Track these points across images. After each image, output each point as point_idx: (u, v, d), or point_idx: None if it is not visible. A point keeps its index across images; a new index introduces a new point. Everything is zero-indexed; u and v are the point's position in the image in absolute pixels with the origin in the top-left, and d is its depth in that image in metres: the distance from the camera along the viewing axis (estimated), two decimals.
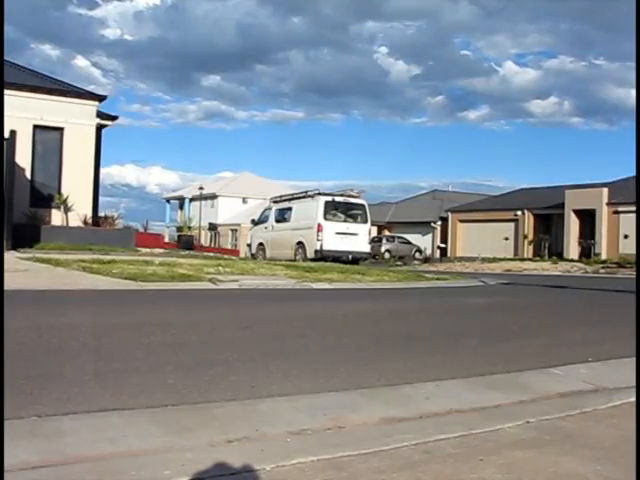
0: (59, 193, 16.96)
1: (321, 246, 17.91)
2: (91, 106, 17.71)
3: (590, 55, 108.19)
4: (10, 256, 9.92)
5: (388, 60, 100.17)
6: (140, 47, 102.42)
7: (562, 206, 36.02)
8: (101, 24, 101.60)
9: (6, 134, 12.28)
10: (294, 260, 17.03)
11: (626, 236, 32.56)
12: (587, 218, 35.07)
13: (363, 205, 20.05)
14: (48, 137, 17.17)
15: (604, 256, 31.31)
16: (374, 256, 27.65)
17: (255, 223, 22.01)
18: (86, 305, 5.03)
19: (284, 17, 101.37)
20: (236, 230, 54.37)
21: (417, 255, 39.39)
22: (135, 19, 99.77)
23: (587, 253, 32.77)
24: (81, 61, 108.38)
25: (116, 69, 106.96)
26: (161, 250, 18.64)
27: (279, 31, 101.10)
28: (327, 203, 18.73)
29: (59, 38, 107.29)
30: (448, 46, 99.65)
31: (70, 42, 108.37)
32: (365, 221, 19.93)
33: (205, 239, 50.03)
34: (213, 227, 47.98)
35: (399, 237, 42.92)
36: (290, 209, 19.82)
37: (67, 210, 16.90)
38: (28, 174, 16.52)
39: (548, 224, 38.33)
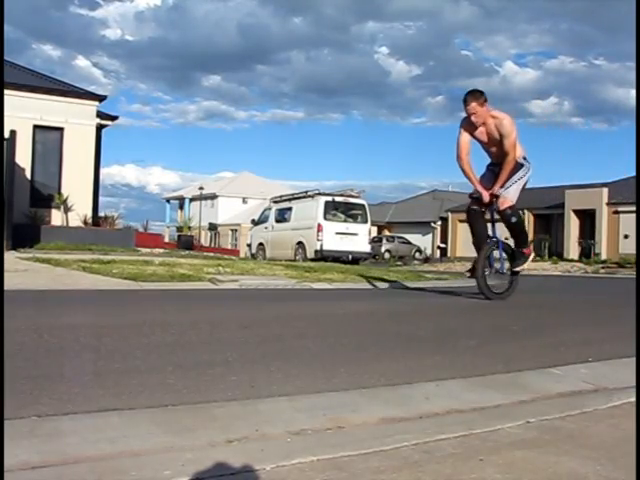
0: (59, 193, 17.00)
1: (321, 246, 17.95)
2: (91, 106, 17.74)
3: (590, 55, 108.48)
4: (10, 256, 9.93)
5: (389, 60, 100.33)
6: (141, 47, 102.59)
7: (562, 206, 36.05)
8: (102, 24, 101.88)
9: (6, 134, 12.31)
10: (294, 260, 17.06)
11: (626, 236, 32.59)
12: (587, 218, 35.10)
13: (363, 205, 20.10)
14: (48, 137, 17.21)
15: (604, 256, 31.37)
16: (374, 256, 27.69)
17: (255, 223, 22.05)
18: (86, 305, 5.03)
19: (285, 17, 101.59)
20: (236, 230, 54.44)
21: (417, 255, 39.46)
22: (136, 19, 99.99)
23: (587, 253, 32.83)
24: (82, 61, 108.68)
25: (117, 69, 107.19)
26: (161, 250, 18.67)
27: (280, 31, 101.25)
28: (327, 203, 18.77)
29: (60, 38, 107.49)
30: (449, 46, 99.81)
31: (71, 42, 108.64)
32: (365, 221, 19.97)
33: (205, 239, 50.12)
34: (213, 227, 48.07)
35: (399, 237, 42.99)
36: (290, 209, 19.85)
37: (67, 210, 16.93)
38: (28, 174, 16.55)
39: (548, 224, 38.37)
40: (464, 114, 5.89)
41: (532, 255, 6.52)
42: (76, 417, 1.95)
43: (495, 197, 5.94)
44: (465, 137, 5.94)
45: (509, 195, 5.96)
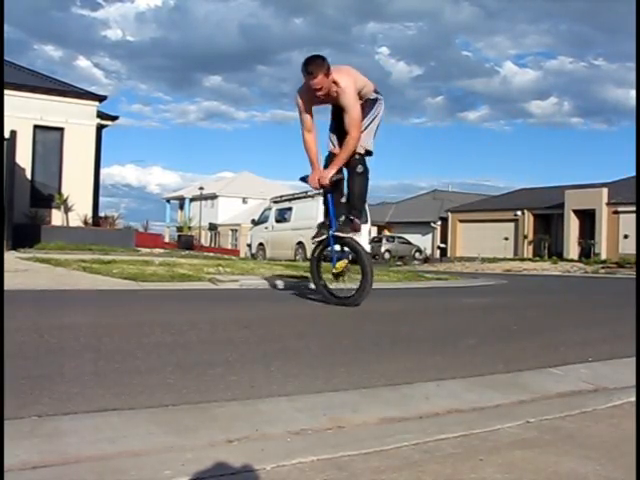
0: (59, 193, 17.01)
1: None
2: (91, 106, 17.75)
3: (589, 56, 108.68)
4: (10, 256, 9.93)
5: (389, 61, 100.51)
6: (142, 48, 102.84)
7: (562, 206, 36.11)
8: (103, 25, 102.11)
9: (6, 134, 12.30)
10: (294, 260, 17.05)
11: (626, 236, 32.65)
12: (587, 218, 35.15)
13: None
14: (48, 137, 17.22)
15: (604, 256, 31.40)
16: (374, 256, 27.70)
17: (255, 223, 22.06)
18: (86, 305, 5.03)
19: (286, 18, 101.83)
20: (236, 230, 54.49)
21: (417, 255, 39.46)
22: (137, 20, 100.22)
23: (587, 253, 32.87)
24: (83, 62, 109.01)
25: (118, 70, 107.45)
26: (161, 250, 18.66)
27: (281, 32, 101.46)
28: None
29: (62, 39, 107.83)
30: (449, 47, 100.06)
31: (72, 43, 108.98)
32: (365, 221, 19.95)
33: (205, 239, 50.16)
34: (213, 227, 48.08)
35: (399, 237, 42.98)
36: (290, 209, 19.85)
37: (67, 210, 16.94)
38: (28, 174, 16.56)
39: (548, 224, 38.42)
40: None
41: (357, 235, 5.26)
42: (76, 417, 1.95)
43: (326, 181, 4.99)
44: (307, 115, 4.99)
45: (363, 137, 4.97)
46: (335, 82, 4.77)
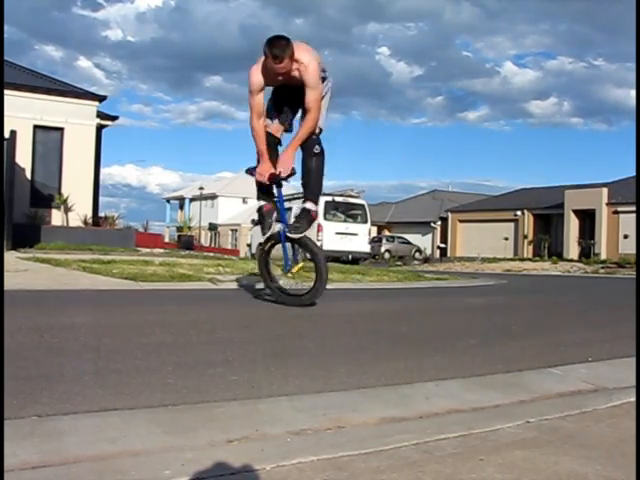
0: (59, 193, 17.01)
1: (321, 246, 17.92)
2: (91, 106, 17.76)
3: (589, 56, 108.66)
4: (10, 256, 9.92)
5: (390, 61, 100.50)
6: (143, 48, 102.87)
7: (562, 206, 36.09)
8: (104, 26, 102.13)
9: (6, 134, 12.29)
10: None
11: (626, 236, 32.64)
12: (587, 218, 35.14)
13: (363, 205, 20.16)
14: (48, 137, 17.22)
15: (604, 256, 31.39)
16: (374, 256, 27.71)
17: (255, 223, 21.99)
18: (86, 305, 5.03)
19: (287, 19, 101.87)
20: (236, 230, 54.51)
21: (417, 255, 39.43)
22: (137, 20, 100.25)
23: (587, 253, 32.86)
24: (84, 62, 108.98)
25: (119, 70, 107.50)
26: (161, 250, 18.64)
27: (281, 32, 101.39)
28: (327, 203, 18.78)
29: (62, 39, 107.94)
30: (449, 47, 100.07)
31: (73, 43, 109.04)
32: (365, 221, 20.03)
33: (205, 239, 50.17)
34: (213, 227, 48.06)
35: (399, 237, 42.95)
36: (290, 209, 19.79)
37: (67, 210, 16.94)
38: (28, 174, 16.55)
39: (548, 224, 38.41)
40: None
41: (313, 225, 5.04)
42: (76, 417, 1.95)
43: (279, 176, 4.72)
44: (261, 96, 4.70)
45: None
46: (297, 60, 4.49)
